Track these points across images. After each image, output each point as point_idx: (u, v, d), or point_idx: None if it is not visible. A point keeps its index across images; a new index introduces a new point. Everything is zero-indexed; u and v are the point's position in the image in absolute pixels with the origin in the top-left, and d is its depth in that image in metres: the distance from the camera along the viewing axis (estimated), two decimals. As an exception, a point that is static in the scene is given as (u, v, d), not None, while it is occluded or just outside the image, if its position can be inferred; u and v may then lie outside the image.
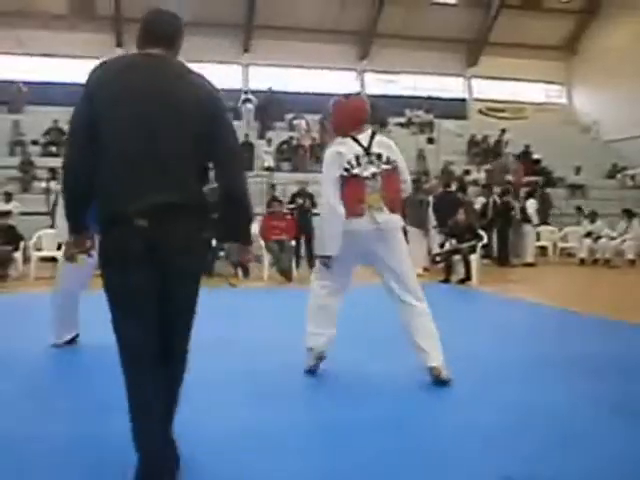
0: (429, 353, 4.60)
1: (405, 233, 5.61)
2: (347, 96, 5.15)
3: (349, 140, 4.81)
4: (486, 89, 29.10)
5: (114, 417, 3.34)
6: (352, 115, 4.93)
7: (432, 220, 13.83)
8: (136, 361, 2.90)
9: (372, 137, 4.86)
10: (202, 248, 3.27)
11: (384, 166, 4.78)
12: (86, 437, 3.63)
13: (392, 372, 4.95)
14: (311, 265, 12.17)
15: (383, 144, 4.89)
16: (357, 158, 4.71)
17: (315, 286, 4.98)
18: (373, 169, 4.72)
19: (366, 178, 4.69)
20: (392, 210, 4.77)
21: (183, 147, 2.95)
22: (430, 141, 23.14)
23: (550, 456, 3.34)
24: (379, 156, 4.79)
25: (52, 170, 17.13)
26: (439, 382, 4.54)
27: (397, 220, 4.83)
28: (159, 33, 3.24)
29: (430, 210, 13.96)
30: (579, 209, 18.21)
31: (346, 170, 4.68)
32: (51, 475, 3.17)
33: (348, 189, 4.68)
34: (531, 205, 16.35)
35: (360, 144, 4.78)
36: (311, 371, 4.93)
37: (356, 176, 4.68)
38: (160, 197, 2.84)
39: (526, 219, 16.04)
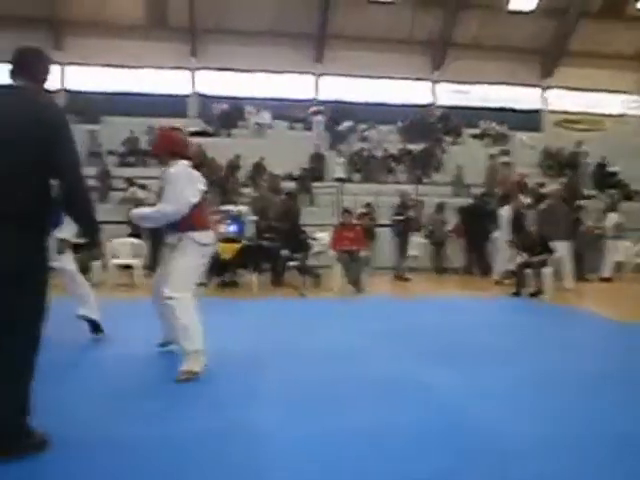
0: None
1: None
2: None
3: None
4: (562, 100, 28.59)
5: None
6: None
7: (505, 234, 13.71)
8: None
9: None
10: (23, 251, 3.59)
11: None
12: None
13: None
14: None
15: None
16: None
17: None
18: None
19: None
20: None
21: (19, 169, 3.50)
22: (504, 153, 22.84)
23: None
24: None
25: (129, 180, 17.51)
26: None
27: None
28: (18, 67, 3.81)
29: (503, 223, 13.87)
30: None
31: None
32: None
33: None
34: (611, 219, 15.92)
35: None
36: None
37: None
38: None
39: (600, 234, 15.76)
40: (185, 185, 5.57)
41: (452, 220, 16.76)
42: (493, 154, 21.43)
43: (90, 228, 4.00)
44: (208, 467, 3.41)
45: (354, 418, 4.26)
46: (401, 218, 14.73)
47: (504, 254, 13.64)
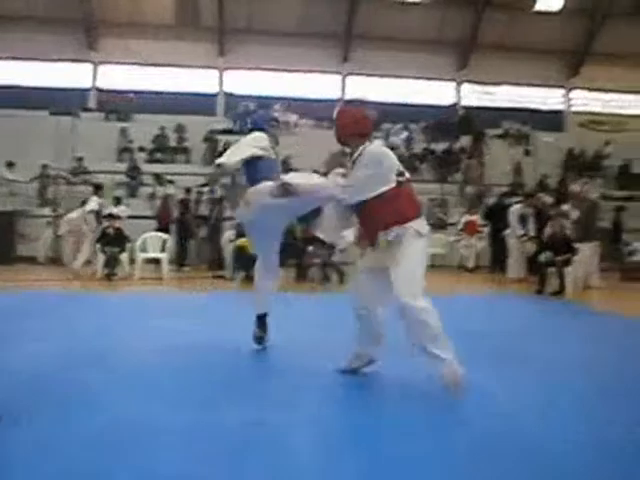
0: None
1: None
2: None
3: None
4: (586, 100, 28.62)
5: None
6: None
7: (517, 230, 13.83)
8: None
9: None
10: None
11: None
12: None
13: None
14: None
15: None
16: None
17: None
18: None
19: None
20: None
21: None
22: (527, 153, 22.97)
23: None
24: None
25: (157, 176, 17.91)
26: None
27: None
28: None
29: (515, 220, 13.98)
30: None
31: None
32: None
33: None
34: None
35: None
36: None
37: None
38: None
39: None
40: (382, 166, 4.78)
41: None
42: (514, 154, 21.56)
43: None
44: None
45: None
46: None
47: (515, 252, 13.79)
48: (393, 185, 4.72)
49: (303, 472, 3.26)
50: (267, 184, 5.32)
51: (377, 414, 4.22)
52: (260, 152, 5.62)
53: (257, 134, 5.83)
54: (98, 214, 14.04)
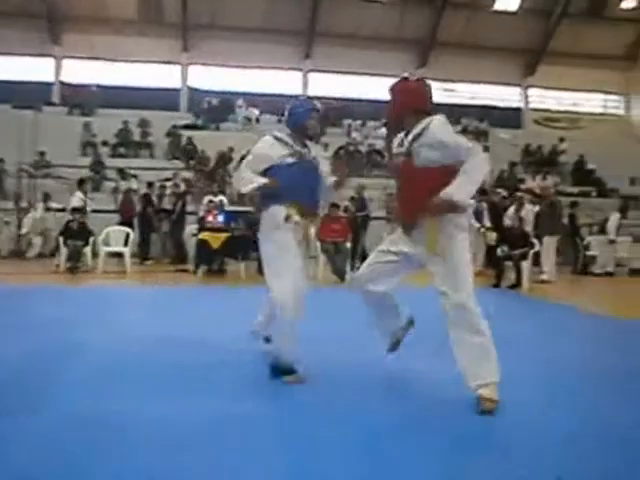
0: None
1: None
2: None
3: None
4: (543, 98, 29.24)
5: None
6: None
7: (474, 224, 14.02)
8: None
9: None
10: None
11: None
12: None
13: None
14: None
15: None
16: None
17: None
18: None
19: None
20: None
21: None
22: (485, 149, 23.43)
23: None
24: None
25: (120, 170, 18.02)
26: None
27: None
28: None
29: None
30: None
31: None
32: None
33: None
34: (614, 220, 16.21)
35: None
36: None
37: None
38: None
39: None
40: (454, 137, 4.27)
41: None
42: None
43: None
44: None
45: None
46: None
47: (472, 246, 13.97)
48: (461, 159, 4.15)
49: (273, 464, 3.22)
50: None
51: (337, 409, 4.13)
52: (264, 164, 4.80)
53: (262, 141, 4.95)
54: (81, 210, 14.14)
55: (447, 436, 3.65)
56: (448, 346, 4.21)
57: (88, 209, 14.70)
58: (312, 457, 3.32)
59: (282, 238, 4.65)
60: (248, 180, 4.72)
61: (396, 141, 4.58)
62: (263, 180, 4.68)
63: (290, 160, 4.77)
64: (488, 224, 13.98)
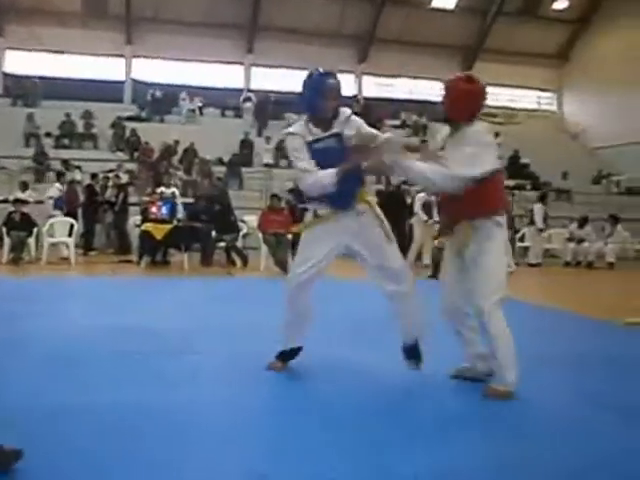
0: None
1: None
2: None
3: None
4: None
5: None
6: None
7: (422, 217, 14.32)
8: None
9: None
10: None
11: None
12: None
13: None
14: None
15: None
16: None
17: None
18: None
19: None
20: None
21: None
22: (422, 142, 23.96)
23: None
24: None
25: (65, 161, 18.08)
26: None
27: None
28: None
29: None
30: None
31: None
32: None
33: None
34: (538, 210, 16.71)
35: None
36: None
37: None
38: None
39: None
40: (488, 149, 4.22)
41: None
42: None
43: None
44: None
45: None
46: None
47: (419, 239, 14.12)
48: (497, 167, 4.22)
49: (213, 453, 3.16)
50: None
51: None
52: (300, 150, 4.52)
53: (289, 139, 4.66)
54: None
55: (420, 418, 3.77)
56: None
57: (30, 200, 14.79)
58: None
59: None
60: (321, 173, 4.29)
61: (439, 139, 4.47)
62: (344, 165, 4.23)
63: (317, 146, 4.42)
64: (436, 218, 14.35)
